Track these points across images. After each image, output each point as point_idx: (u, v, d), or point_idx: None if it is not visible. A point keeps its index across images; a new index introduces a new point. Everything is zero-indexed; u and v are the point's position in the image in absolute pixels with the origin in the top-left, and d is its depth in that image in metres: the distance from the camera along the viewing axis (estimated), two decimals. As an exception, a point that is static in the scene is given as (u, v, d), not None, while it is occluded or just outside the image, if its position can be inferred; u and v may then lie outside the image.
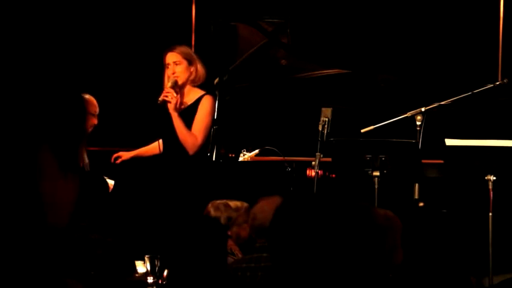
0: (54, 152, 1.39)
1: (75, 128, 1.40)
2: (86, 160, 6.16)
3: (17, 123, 1.38)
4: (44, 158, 1.39)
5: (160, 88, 5.74)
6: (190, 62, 5.71)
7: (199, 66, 5.72)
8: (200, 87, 5.79)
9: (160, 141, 5.86)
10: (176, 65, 5.68)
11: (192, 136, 5.61)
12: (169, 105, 5.60)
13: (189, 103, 5.73)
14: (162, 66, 5.77)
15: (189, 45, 6.57)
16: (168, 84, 5.66)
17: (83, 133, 1.42)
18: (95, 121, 5.92)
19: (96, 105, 5.93)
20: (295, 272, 2.04)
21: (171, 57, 5.70)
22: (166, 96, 5.60)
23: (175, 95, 5.61)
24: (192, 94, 5.75)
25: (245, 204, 4.59)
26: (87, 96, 5.72)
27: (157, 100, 5.60)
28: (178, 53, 5.69)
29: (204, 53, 5.92)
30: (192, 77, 5.71)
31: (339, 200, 2.09)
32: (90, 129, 5.87)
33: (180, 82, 5.69)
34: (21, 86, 1.43)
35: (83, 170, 6.32)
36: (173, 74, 5.68)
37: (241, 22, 6.06)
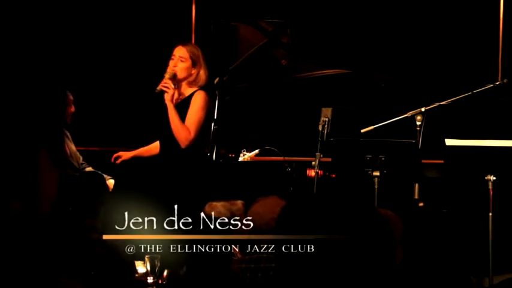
0: (49, 151, 1.40)
1: (61, 124, 1.42)
2: (68, 152, 6.26)
3: (17, 126, 1.39)
4: (42, 158, 1.39)
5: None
6: (194, 64, 5.70)
7: (202, 72, 5.71)
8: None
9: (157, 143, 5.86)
10: (181, 61, 5.69)
11: (185, 129, 5.59)
12: (166, 95, 5.60)
13: (182, 98, 5.73)
14: (162, 66, 5.76)
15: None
16: (166, 75, 5.66)
17: (65, 126, 1.45)
18: (73, 109, 6.41)
19: (70, 93, 6.38)
20: (297, 271, 2.05)
21: (179, 51, 5.70)
22: (164, 87, 5.60)
23: (172, 86, 5.61)
24: (186, 91, 5.75)
25: (241, 203, 4.58)
26: None
27: (155, 89, 5.60)
28: (187, 50, 5.70)
29: (204, 53, 5.92)
30: (191, 78, 5.70)
31: (340, 201, 2.09)
32: (69, 118, 6.37)
33: (177, 78, 5.69)
34: (21, 87, 1.43)
35: (78, 169, 6.37)
36: (174, 67, 5.68)
37: (241, 22, 6.06)
